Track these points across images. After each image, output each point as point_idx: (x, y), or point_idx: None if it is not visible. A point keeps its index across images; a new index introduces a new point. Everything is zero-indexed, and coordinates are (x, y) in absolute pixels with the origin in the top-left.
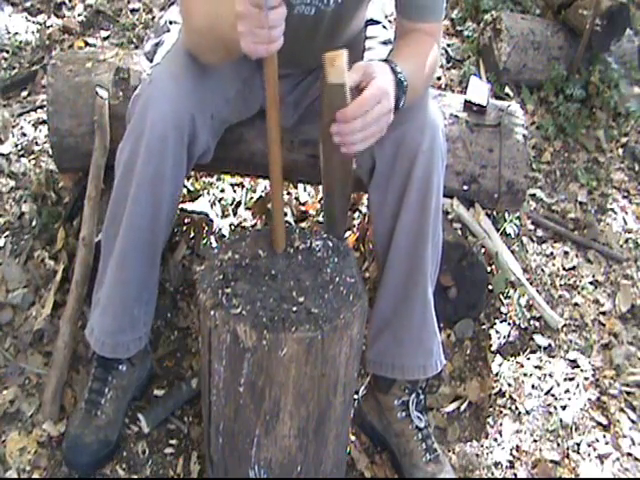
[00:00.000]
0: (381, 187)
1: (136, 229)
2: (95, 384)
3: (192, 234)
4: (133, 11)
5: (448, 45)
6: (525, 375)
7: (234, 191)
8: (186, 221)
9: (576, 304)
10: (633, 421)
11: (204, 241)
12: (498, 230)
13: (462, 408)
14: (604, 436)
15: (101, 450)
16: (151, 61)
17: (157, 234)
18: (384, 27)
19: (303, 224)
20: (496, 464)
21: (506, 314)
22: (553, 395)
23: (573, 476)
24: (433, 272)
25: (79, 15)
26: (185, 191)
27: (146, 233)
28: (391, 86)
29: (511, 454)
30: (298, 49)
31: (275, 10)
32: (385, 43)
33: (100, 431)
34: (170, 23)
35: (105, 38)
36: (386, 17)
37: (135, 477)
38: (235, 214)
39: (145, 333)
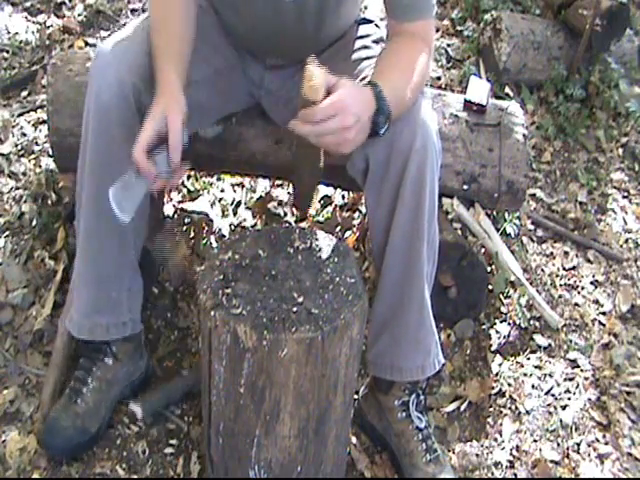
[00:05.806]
0: (376, 187)
1: (95, 200)
2: (79, 373)
3: (192, 234)
4: (133, 11)
5: (448, 45)
6: (525, 375)
7: (234, 191)
8: (186, 221)
9: (576, 304)
10: (633, 421)
11: (204, 241)
12: (498, 230)
13: (462, 408)
14: (604, 436)
15: (76, 437)
16: None
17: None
18: (376, 25)
19: (303, 224)
20: (496, 464)
21: (506, 314)
22: (553, 395)
23: (573, 476)
24: (430, 271)
25: (79, 15)
26: (185, 191)
27: (107, 208)
28: (363, 109)
29: (511, 454)
30: (285, 35)
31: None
32: (377, 42)
33: (78, 418)
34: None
35: (105, 38)
36: (382, 20)
37: (135, 477)
38: (235, 214)
39: (131, 320)
